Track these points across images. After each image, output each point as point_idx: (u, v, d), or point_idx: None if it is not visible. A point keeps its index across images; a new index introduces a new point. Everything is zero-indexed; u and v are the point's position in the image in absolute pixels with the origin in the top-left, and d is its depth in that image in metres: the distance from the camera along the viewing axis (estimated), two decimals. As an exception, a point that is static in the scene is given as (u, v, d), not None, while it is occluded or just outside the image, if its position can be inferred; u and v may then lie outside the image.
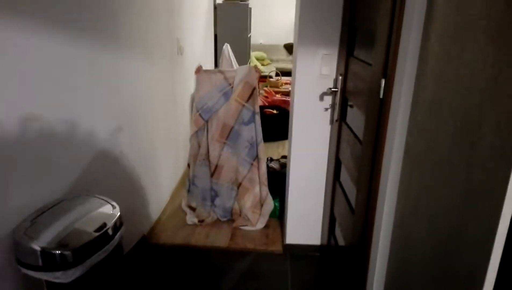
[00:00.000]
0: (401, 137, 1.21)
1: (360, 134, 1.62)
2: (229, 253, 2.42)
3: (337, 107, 1.98)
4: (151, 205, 2.65)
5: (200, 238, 2.55)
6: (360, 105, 1.64)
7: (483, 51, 0.81)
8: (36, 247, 1.26)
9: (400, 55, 1.23)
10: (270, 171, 2.83)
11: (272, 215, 2.79)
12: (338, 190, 1.95)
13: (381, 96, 1.32)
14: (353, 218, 1.62)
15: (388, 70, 1.28)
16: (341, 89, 1.94)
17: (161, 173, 2.87)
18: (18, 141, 1.34)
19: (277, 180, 2.75)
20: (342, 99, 1.94)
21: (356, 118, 1.73)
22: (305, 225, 2.35)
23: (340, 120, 1.95)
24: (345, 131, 1.86)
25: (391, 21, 1.28)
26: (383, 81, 1.31)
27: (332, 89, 2.03)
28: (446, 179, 0.93)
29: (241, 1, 5.37)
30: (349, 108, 1.89)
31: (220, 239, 2.55)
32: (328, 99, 2.11)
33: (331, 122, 2.13)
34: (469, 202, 0.83)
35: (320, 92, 2.10)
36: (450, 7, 0.97)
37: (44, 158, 1.48)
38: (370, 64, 1.52)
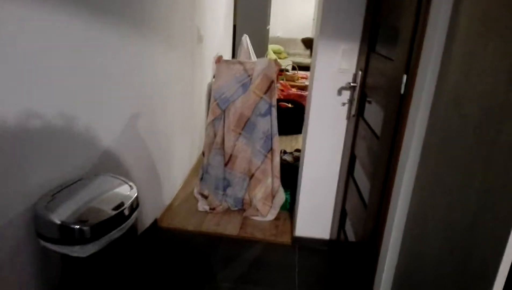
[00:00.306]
0: (420, 133, 1.21)
1: (377, 130, 1.62)
2: (238, 241, 2.45)
3: (355, 102, 1.98)
4: (164, 190, 2.69)
5: (210, 225, 2.58)
6: (379, 101, 1.64)
7: (508, 51, 0.80)
8: (56, 220, 1.30)
9: (424, 51, 1.22)
10: (283, 164, 2.84)
11: (283, 207, 2.81)
12: (351, 185, 1.95)
13: (402, 92, 1.32)
14: (366, 213, 1.63)
15: (410, 66, 1.28)
16: (360, 84, 1.93)
17: (176, 160, 2.90)
18: (41, 121, 1.37)
19: (290, 173, 2.76)
20: (361, 94, 1.94)
21: (374, 113, 1.73)
22: (315, 218, 2.37)
23: (357, 115, 1.95)
24: (362, 126, 1.86)
25: (416, 17, 1.27)
26: (405, 77, 1.30)
27: (351, 84, 2.02)
28: (463, 177, 0.94)
29: (262, -7, 5.35)
30: (367, 104, 1.88)
31: (230, 227, 2.58)
32: (346, 94, 2.11)
33: (348, 117, 2.13)
34: (485, 199, 0.84)
35: (339, 86, 2.10)
36: (477, 5, 0.96)
37: (66, 138, 1.52)
38: (391, 60, 1.52)
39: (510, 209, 0.74)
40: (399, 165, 1.32)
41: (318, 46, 2.07)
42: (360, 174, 1.84)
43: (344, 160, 2.15)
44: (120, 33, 1.83)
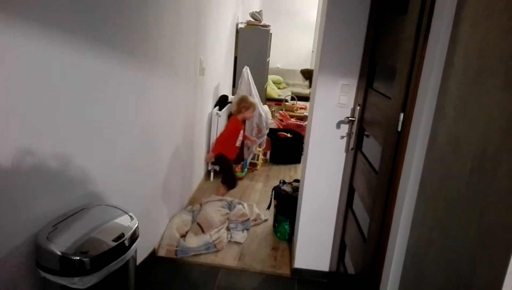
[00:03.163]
0: (417, 170, 1.24)
1: (375, 164, 1.66)
2: (237, 272, 2.43)
3: (353, 135, 2.02)
4: (162, 220, 2.69)
5: (208, 256, 2.56)
6: (377, 136, 1.68)
7: (503, 95, 0.85)
8: (57, 251, 1.30)
9: (420, 91, 1.27)
10: (282, 194, 2.86)
11: (282, 237, 2.81)
12: (350, 217, 1.97)
13: (399, 129, 1.36)
14: (365, 246, 1.63)
15: (407, 105, 1.33)
16: (358, 119, 1.98)
17: (175, 190, 2.91)
18: (42, 152, 1.40)
19: (289, 203, 2.77)
20: (359, 129, 1.99)
21: (372, 147, 1.76)
22: (314, 250, 2.36)
23: (355, 149, 1.99)
24: (360, 159, 1.90)
25: (412, 58, 1.33)
26: (401, 115, 1.35)
27: (350, 118, 2.08)
28: (461, 215, 0.96)
29: (262, 26, 5.51)
30: (365, 138, 1.93)
31: (228, 258, 2.56)
32: (345, 128, 2.16)
33: (347, 150, 2.17)
34: (483, 240, 0.86)
35: (337, 120, 2.15)
36: (472, 48, 1.02)
37: (66, 168, 1.54)
38: (389, 98, 1.57)
39: (507, 250, 0.76)
40: (397, 200, 1.35)
41: (317, 81, 2.13)
42: (359, 206, 1.86)
43: (343, 192, 2.17)
44: (122, 62, 1.88)
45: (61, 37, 1.38)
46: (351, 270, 1.89)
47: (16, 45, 1.18)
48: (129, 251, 1.49)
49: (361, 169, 1.86)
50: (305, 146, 2.40)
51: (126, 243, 1.47)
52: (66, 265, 1.31)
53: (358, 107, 1.99)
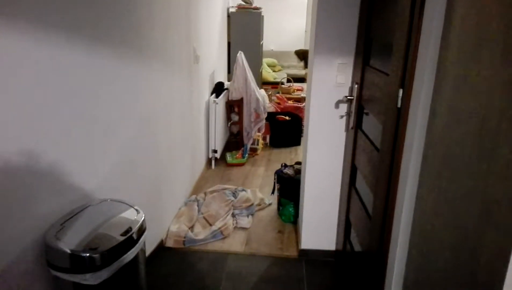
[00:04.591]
0: (419, 145, 1.24)
1: (376, 142, 1.66)
2: (244, 257, 2.46)
3: (352, 114, 2.02)
4: (167, 210, 2.71)
5: (216, 243, 2.59)
6: (376, 113, 1.68)
7: (502, 64, 0.84)
8: (66, 249, 1.31)
9: (418, 65, 1.26)
10: (285, 177, 2.87)
11: (287, 220, 2.83)
12: (354, 196, 1.98)
13: (398, 106, 1.35)
14: (370, 224, 1.65)
15: (405, 81, 1.32)
16: (356, 97, 1.98)
17: (177, 180, 2.92)
18: (42, 152, 1.40)
19: (292, 186, 2.78)
20: (358, 107, 1.98)
21: (372, 125, 1.76)
22: (320, 230, 2.39)
23: (355, 128, 1.99)
24: (361, 138, 1.90)
25: (409, 32, 1.32)
26: (400, 91, 1.34)
27: (348, 97, 2.07)
28: (465, 186, 0.97)
29: (253, 9, 5.44)
30: (365, 116, 1.92)
31: (235, 244, 2.59)
32: (344, 107, 2.15)
33: (347, 129, 2.16)
34: (487, 209, 0.86)
35: (336, 100, 2.14)
36: (470, 19, 1.00)
37: (70, 166, 1.54)
38: (387, 74, 1.56)
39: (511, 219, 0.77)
40: (400, 176, 1.35)
41: (313, 61, 2.11)
42: (362, 184, 1.87)
43: (345, 171, 2.18)
44: (117, 58, 1.87)
45: (56, 35, 1.36)
46: (357, 247, 1.91)
47: (11, 44, 1.17)
48: (137, 244, 1.50)
49: (362, 148, 1.87)
50: (304, 127, 2.39)
51: (134, 236, 1.48)
52: (77, 262, 1.32)
53: (356, 86, 1.98)
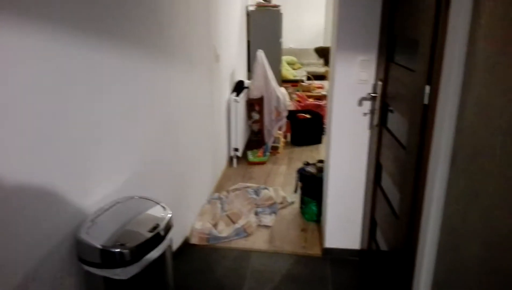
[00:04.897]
0: (447, 142, 1.22)
1: (402, 139, 1.64)
2: (268, 255, 2.47)
3: (376, 112, 2.00)
4: (191, 208, 2.75)
5: (239, 241, 2.61)
6: (402, 111, 1.66)
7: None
8: (97, 245, 1.35)
9: (445, 61, 1.24)
10: (307, 176, 2.86)
11: (310, 218, 2.83)
12: (379, 194, 1.96)
13: (425, 102, 1.34)
14: (397, 223, 1.63)
15: (432, 77, 1.30)
16: (380, 95, 1.96)
17: (200, 178, 2.96)
18: (75, 151, 1.44)
19: (314, 184, 2.78)
20: (382, 104, 1.96)
21: (397, 123, 1.74)
22: (344, 229, 2.38)
23: (380, 125, 1.97)
24: (386, 136, 1.88)
25: (435, 27, 1.30)
26: (427, 88, 1.32)
27: (372, 94, 2.05)
28: (496, 183, 0.95)
29: (272, 7, 5.44)
30: (389, 113, 1.90)
31: (259, 241, 2.60)
32: (367, 104, 2.13)
33: (370, 126, 2.14)
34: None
35: (359, 97, 2.12)
36: (499, 12, 0.98)
37: (98, 164, 1.59)
38: (412, 70, 1.54)
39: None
40: (428, 174, 1.33)
41: (335, 58, 2.10)
42: (387, 182, 1.85)
43: (370, 169, 2.16)
44: (141, 57, 1.90)
45: (82, 37, 1.41)
46: (383, 247, 1.89)
47: (34, 44, 1.21)
48: (165, 240, 1.53)
49: (387, 145, 1.85)
50: (327, 125, 2.39)
51: (162, 233, 1.51)
52: (107, 258, 1.36)
53: (380, 83, 1.96)
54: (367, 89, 2.11)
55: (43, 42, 1.22)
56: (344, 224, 2.37)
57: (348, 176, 2.27)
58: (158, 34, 2.05)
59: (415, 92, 1.45)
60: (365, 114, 2.15)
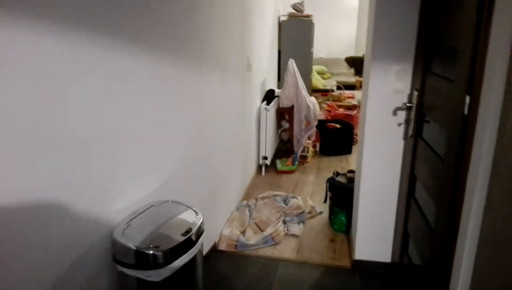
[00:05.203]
0: (488, 154, 1.19)
1: (439, 151, 1.60)
2: (296, 265, 2.45)
3: (412, 122, 1.96)
4: (221, 214, 2.77)
5: (267, 249, 2.60)
6: (440, 121, 1.62)
7: None
8: (132, 246, 1.38)
9: (486, 71, 1.21)
10: (337, 185, 2.83)
11: (339, 229, 2.79)
12: (413, 206, 1.91)
13: (465, 113, 1.30)
14: (432, 236, 1.59)
15: (473, 87, 1.27)
16: (416, 105, 1.92)
17: (229, 185, 2.98)
18: (114, 157, 1.49)
19: (344, 195, 2.74)
20: (418, 115, 1.92)
21: (434, 133, 1.70)
22: (375, 241, 2.32)
23: (415, 136, 1.93)
24: (421, 146, 1.84)
25: (476, 36, 1.27)
26: (467, 98, 1.29)
27: (407, 104, 2.01)
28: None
29: (304, 17, 5.45)
30: (425, 124, 1.86)
31: (286, 250, 2.59)
32: (402, 114, 2.10)
33: (405, 137, 2.10)
34: None
35: (393, 107, 2.09)
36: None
37: (134, 169, 1.63)
38: (451, 80, 1.50)
39: None
40: (467, 187, 1.29)
41: (370, 68, 2.08)
42: (422, 194, 1.81)
43: (403, 180, 2.12)
44: (178, 63, 1.95)
45: (123, 43, 1.46)
46: (416, 260, 1.84)
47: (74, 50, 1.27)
48: (196, 245, 1.55)
49: (423, 156, 1.80)
50: (360, 135, 2.36)
51: (193, 237, 1.53)
52: (141, 259, 1.39)
53: (416, 92, 1.93)
54: (402, 99, 2.07)
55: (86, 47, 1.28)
56: (375, 236, 2.32)
57: (380, 187, 2.23)
58: (194, 42, 2.10)
59: (455, 103, 1.41)
60: (399, 124, 2.11)
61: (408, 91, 2.06)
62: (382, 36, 2.03)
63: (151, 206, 1.65)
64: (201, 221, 1.61)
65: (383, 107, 2.11)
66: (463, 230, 1.30)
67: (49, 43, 1.10)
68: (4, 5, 0.95)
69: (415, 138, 1.93)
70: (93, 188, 1.37)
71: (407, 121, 2.06)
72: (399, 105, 2.07)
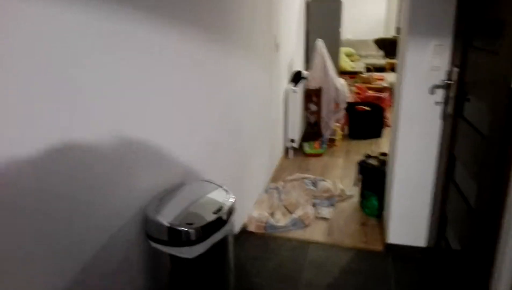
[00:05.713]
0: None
1: (482, 128, 1.51)
2: (326, 247, 2.42)
3: (451, 100, 1.86)
4: (248, 195, 2.76)
5: (296, 232, 2.58)
6: (482, 97, 1.53)
7: None
8: (165, 223, 1.38)
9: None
10: (369, 168, 2.76)
11: (370, 213, 2.73)
12: (452, 188, 1.83)
13: (511, 86, 1.21)
14: (473, 218, 1.51)
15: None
16: (456, 81, 1.82)
17: (257, 166, 2.96)
18: (145, 135, 1.48)
19: (376, 177, 2.67)
20: (458, 92, 1.82)
21: (476, 111, 1.61)
22: (409, 224, 2.26)
23: (454, 114, 1.83)
24: (461, 125, 1.74)
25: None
26: (517, 70, 1.20)
27: (446, 82, 1.91)
28: None
29: (333, -4, 5.29)
30: (466, 102, 1.76)
31: (317, 233, 2.56)
32: (439, 93, 2.00)
33: (443, 116, 2.01)
34: None
35: (431, 85, 1.99)
36: None
37: (166, 148, 1.62)
38: (495, 53, 1.41)
39: None
40: (515, 165, 1.21)
41: (407, 44, 1.99)
42: (461, 176, 1.72)
43: (441, 161, 2.03)
44: (206, 42, 1.92)
45: (156, 20, 1.44)
46: (455, 244, 1.77)
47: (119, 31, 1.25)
48: (228, 223, 1.53)
49: (463, 136, 1.72)
50: (394, 115, 2.27)
51: (225, 216, 1.52)
52: (174, 236, 1.39)
53: (456, 69, 1.82)
54: (440, 76, 1.97)
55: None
56: (409, 219, 2.25)
57: (415, 169, 2.15)
58: (223, 22, 2.06)
59: (499, 76, 1.32)
60: (437, 103, 2.01)
61: (446, 68, 1.96)
62: (419, 11, 1.93)
63: (182, 184, 1.65)
64: (232, 200, 1.59)
65: (420, 85, 2.01)
66: (510, 211, 1.23)
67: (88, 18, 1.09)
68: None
69: (454, 117, 1.84)
70: (126, 165, 1.37)
71: (445, 100, 1.96)
72: (437, 82, 1.97)
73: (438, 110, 2.02)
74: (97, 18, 1.15)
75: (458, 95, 1.82)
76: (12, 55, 0.88)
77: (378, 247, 2.39)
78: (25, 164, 0.95)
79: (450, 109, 1.88)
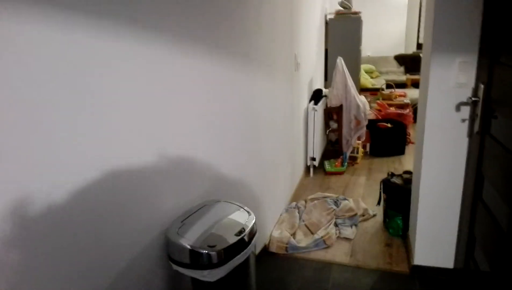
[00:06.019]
0: None
1: (511, 146, 1.46)
2: (350, 269, 2.35)
3: (478, 118, 1.81)
4: (270, 216, 2.73)
5: (319, 252, 2.53)
6: (510, 115, 1.48)
7: None
8: (187, 245, 1.38)
9: None
10: (393, 187, 2.70)
11: (395, 233, 2.65)
12: (480, 208, 1.77)
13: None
14: (504, 239, 1.44)
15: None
16: (483, 98, 1.77)
17: (278, 186, 2.94)
18: (168, 156, 1.50)
19: (401, 196, 2.60)
20: (485, 109, 1.77)
21: (505, 128, 1.56)
22: (435, 245, 2.18)
23: (481, 132, 1.78)
24: (490, 143, 1.69)
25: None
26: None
27: (473, 99, 1.86)
28: None
29: (353, 14, 5.31)
30: (493, 119, 1.71)
31: (339, 254, 2.50)
32: (465, 110, 1.95)
33: (470, 134, 1.95)
34: None
35: (457, 102, 1.95)
36: None
37: (188, 169, 1.63)
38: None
39: None
40: (551, 186, 1.16)
41: (430, 61, 1.96)
42: (491, 195, 1.66)
43: (469, 181, 1.96)
44: (228, 62, 1.94)
45: (178, 45, 1.47)
46: (484, 266, 1.69)
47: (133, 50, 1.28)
48: (249, 245, 1.51)
49: (492, 155, 1.66)
50: (418, 133, 2.23)
51: (246, 238, 1.50)
52: (196, 258, 1.37)
53: (482, 86, 1.78)
54: (466, 93, 1.93)
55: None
56: (436, 240, 2.17)
57: (442, 187, 2.08)
58: (244, 41, 2.08)
59: (532, 93, 1.28)
60: (463, 120, 1.96)
61: (472, 84, 1.91)
62: (442, 27, 1.90)
63: (204, 205, 1.64)
64: (253, 221, 1.57)
65: (445, 102, 1.97)
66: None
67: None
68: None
69: (481, 135, 1.78)
70: (146, 187, 1.38)
71: (472, 117, 1.91)
72: (463, 100, 1.93)
73: (464, 128, 1.97)
74: (140, 48, 1.18)
75: (485, 112, 1.77)
76: (57, 92, 0.91)
77: (404, 268, 2.31)
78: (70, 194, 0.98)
79: (477, 126, 1.83)
